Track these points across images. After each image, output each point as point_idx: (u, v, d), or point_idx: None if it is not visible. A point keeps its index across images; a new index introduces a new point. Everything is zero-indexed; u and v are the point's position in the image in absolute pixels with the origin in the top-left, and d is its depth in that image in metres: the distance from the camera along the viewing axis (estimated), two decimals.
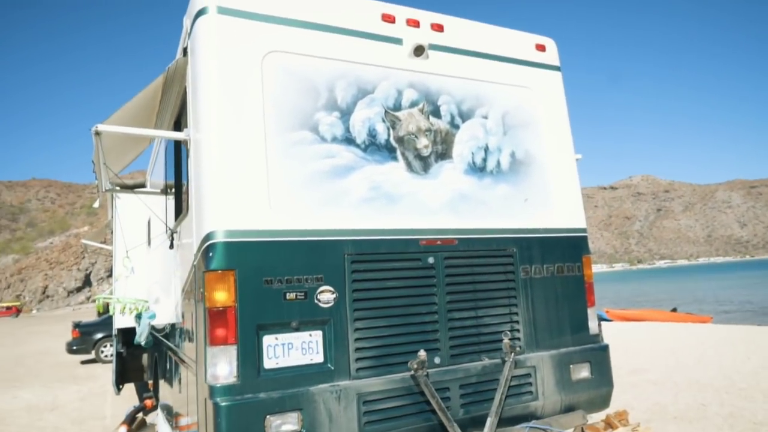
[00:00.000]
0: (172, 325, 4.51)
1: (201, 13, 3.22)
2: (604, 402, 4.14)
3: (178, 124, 4.09)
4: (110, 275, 11.54)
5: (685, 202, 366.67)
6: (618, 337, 13.05)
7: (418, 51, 3.71)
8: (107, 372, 11.36)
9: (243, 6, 3.25)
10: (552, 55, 4.37)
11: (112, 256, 7.68)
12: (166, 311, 4.80)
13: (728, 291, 42.34)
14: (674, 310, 21.72)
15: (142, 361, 7.41)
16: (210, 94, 3.14)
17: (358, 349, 3.21)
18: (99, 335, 15.30)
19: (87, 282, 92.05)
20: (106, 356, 14.89)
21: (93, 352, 15.36)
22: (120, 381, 7.41)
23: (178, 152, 4.04)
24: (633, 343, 12.24)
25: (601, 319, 4.38)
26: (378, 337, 3.28)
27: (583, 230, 4.25)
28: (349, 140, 3.42)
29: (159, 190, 5.54)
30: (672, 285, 62.30)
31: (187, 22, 3.45)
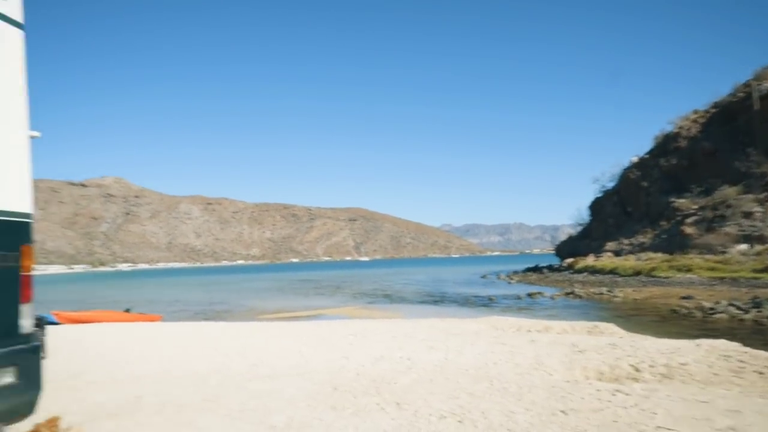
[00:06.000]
0: None
1: None
2: (29, 409, 3.70)
3: None
4: None
5: (152, 209, 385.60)
6: (64, 340, 12.21)
7: None
8: None
9: None
10: (13, 7, 3.71)
11: None
12: None
13: (179, 293, 46.84)
14: (128, 310, 22.15)
15: None
16: None
17: None
18: None
19: None
20: None
21: None
22: None
23: None
24: (80, 345, 11.71)
25: (48, 322, 3.94)
26: None
27: (26, 215, 3.73)
28: None
29: None
30: (130, 287, 63.77)
31: None
